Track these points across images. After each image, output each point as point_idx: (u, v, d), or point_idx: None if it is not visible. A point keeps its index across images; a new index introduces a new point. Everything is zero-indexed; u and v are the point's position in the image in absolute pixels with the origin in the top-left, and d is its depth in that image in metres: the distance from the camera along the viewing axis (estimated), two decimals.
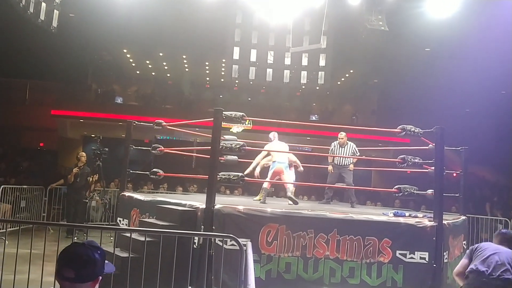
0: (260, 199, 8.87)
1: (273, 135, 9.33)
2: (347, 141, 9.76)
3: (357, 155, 9.78)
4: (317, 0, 12.68)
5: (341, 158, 9.77)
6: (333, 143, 9.97)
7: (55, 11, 11.35)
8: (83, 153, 11.43)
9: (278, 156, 8.82)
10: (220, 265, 5.56)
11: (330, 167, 9.87)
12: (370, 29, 12.57)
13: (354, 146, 9.81)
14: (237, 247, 5.52)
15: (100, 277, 2.00)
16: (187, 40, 18.30)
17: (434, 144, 7.39)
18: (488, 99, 17.34)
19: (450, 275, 7.64)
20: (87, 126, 21.55)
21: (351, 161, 9.77)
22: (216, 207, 6.61)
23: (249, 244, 4.01)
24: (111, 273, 2.13)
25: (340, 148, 9.76)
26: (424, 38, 15.27)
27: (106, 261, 2.06)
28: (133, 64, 23.66)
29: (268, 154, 9.08)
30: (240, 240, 6.27)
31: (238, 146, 6.94)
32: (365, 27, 12.53)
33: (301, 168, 9.49)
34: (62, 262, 1.95)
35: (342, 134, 9.75)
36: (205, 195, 6.78)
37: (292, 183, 9.07)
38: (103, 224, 12.36)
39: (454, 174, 9.78)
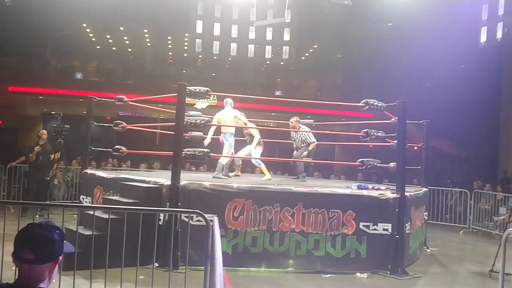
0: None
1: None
2: (300, 125, 9.38)
3: (309, 139, 9.35)
4: None
5: (298, 142, 9.54)
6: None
7: None
8: (44, 130, 11.12)
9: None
10: (187, 241, 5.54)
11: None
12: (333, 3, 12.54)
13: (306, 129, 9.46)
14: (203, 223, 5.50)
15: (60, 257, 1.95)
16: (148, 14, 17.86)
17: (396, 118, 7.49)
18: (449, 73, 17.67)
19: (412, 245, 7.87)
20: (47, 103, 20.95)
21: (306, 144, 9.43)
22: (181, 183, 6.57)
23: (216, 219, 3.99)
24: (70, 252, 2.06)
25: (294, 133, 9.52)
26: (387, 12, 15.33)
27: (65, 241, 2.00)
28: (93, 39, 22.99)
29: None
30: (206, 216, 6.28)
31: (203, 121, 6.88)
32: (329, 1, 12.49)
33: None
34: (19, 243, 1.87)
35: (292, 119, 9.31)
36: (170, 172, 6.72)
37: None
38: (66, 202, 12.14)
39: (416, 147, 9.96)
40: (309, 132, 9.46)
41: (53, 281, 1.95)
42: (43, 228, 1.92)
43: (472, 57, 14.95)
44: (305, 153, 9.32)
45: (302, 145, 9.43)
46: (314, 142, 9.37)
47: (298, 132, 9.40)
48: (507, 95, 16.85)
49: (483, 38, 12.39)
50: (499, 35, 11.97)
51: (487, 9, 12.37)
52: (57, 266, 1.94)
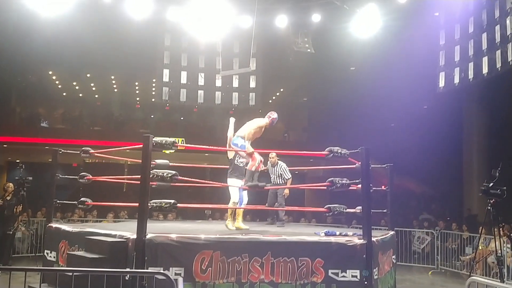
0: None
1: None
2: (277, 161, 10.01)
3: (286, 175, 9.96)
4: (245, 22, 12.91)
5: (275, 178, 10.00)
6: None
7: None
8: (10, 183, 10.93)
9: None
10: None
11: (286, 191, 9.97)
12: (297, 52, 12.90)
13: (284, 165, 10.02)
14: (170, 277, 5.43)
15: None
16: (115, 60, 17.96)
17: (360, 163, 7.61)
18: (411, 115, 18.17)
19: None
20: (12, 151, 20.53)
21: (284, 182, 9.95)
22: (148, 236, 6.47)
23: (180, 280, 3.96)
24: None
25: (272, 168, 10.00)
26: (348, 57, 15.85)
27: None
28: (59, 86, 22.88)
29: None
30: (174, 269, 6.20)
31: (169, 175, 6.81)
32: (293, 49, 12.85)
33: None
34: None
35: (272, 154, 10.00)
36: (136, 222, 6.62)
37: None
38: (29, 255, 11.90)
39: (383, 187, 10.08)
40: (286, 167, 10.03)
41: None
42: None
43: (432, 100, 15.43)
44: (286, 191, 9.84)
45: (278, 180, 9.92)
46: (290, 178, 9.99)
47: (276, 167, 9.98)
48: (467, 135, 17.30)
49: (441, 83, 12.86)
50: (456, 80, 12.46)
51: (443, 55, 12.90)
52: None
